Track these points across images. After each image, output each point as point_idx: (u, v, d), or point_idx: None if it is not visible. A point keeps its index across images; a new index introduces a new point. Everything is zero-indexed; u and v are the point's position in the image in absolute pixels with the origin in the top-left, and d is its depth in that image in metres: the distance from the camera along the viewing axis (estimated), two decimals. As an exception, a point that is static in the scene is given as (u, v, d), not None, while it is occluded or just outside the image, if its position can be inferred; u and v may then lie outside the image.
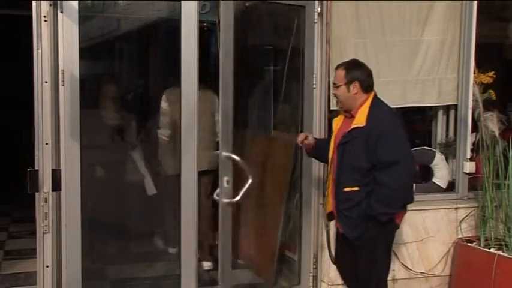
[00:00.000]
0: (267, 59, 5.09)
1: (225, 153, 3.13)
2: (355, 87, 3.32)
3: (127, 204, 4.81)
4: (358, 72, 3.35)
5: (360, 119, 3.26)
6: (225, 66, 2.63)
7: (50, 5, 3.32)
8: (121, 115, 4.88)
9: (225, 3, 2.63)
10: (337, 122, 3.48)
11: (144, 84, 5.60)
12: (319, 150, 3.66)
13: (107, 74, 5.16)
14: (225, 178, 3.07)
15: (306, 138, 3.66)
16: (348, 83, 3.32)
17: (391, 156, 3.18)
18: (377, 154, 3.18)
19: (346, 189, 3.28)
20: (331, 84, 4.24)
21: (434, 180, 4.68)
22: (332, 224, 4.25)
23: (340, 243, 3.54)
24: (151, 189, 4.88)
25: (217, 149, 3.14)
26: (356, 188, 3.26)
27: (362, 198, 3.25)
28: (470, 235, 4.41)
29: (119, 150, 4.89)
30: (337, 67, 3.43)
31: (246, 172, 3.59)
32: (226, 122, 2.92)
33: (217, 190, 3.55)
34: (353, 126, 3.27)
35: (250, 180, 3.59)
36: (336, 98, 3.42)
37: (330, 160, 3.45)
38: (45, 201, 3.36)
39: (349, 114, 3.37)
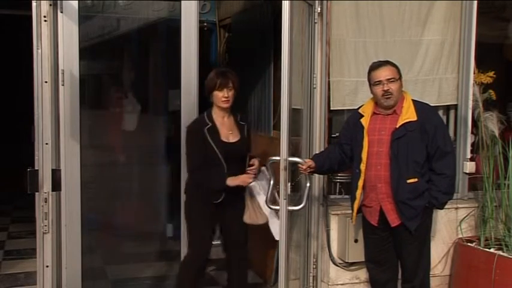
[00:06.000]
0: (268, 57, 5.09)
1: (291, 159, 3.15)
2: (402, 83, 3.51)
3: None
4: None
5: (410, 114, 3.43)
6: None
7: (50, 5, 3.31)
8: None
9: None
10: (366, 120, 3.53)
11: (143, 84, 5.59)
12: (321, 168, 3.66)
13: (110, 75, 5.13)
14: (289, 184, 3.09)
15: (309, 166, 3.59)
16: (401, 78, 3.49)
17: (448, 146, 3.46)
18: (437, 144, 3.38)
19: (409, 180, 3.40)
20: (331, 84, 4.27)
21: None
22: (334, 225, 4.25)
23: (380, 239, 3.58)
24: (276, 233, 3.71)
25: None
26: (416, 179, 3.40)
27: (425, 188, 3.42)
28: (470, 235, 4.41)
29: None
30: (384, 64, 3.49)
31: (305, 176, 3.58)
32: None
33: (266, 197, 3.54)
34: (405, 120, 3.42)
35: (308, 184, 3.60)
36: (389, 94, 3.43)
37: (365, 157, 3.48)
38: (45, 201, 3.35)
39: (390, 111, 3.48)
